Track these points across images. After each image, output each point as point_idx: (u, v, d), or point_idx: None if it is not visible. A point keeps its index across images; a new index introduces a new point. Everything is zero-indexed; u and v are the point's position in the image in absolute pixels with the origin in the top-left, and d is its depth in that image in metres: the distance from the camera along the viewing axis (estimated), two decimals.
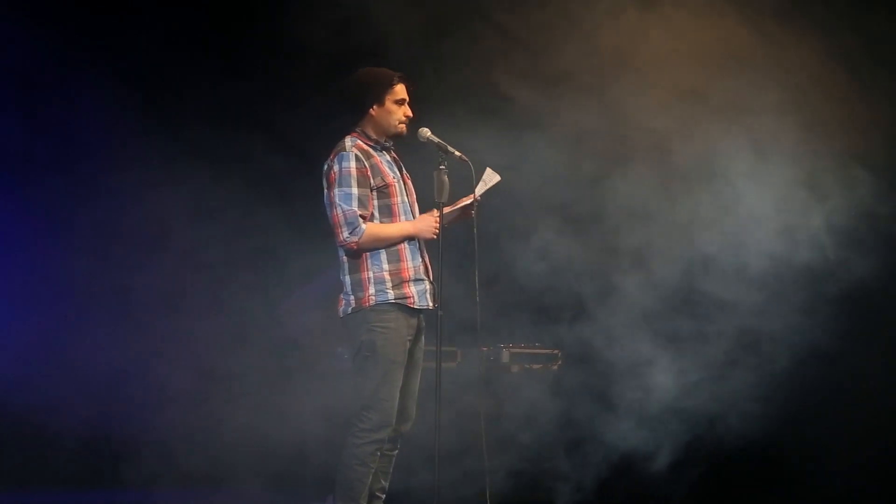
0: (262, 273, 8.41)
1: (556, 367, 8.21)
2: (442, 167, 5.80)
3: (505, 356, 8.17)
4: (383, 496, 5.86)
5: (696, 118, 7.58)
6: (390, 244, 5.75)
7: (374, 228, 5.72)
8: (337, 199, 5.69)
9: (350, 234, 5.68)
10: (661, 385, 7.80)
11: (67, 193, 8.12)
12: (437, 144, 5.83)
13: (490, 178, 5.88)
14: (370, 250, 5.72)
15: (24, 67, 8.06)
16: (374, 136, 5.83)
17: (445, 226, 5.85)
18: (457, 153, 5.82)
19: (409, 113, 5.85)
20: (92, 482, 8.15)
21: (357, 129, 5.84)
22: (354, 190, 5.69)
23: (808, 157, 7.61)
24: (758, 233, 7.70)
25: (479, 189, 5.87)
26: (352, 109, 5.85)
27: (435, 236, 5.78)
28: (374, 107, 5.81)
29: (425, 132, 5.85)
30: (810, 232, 7.66)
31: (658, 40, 7.69)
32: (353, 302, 5.75)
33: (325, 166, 5.78)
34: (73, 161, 8.14)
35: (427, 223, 5.79)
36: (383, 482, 5.85)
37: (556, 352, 8.22)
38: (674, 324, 7.85)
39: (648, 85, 7.64)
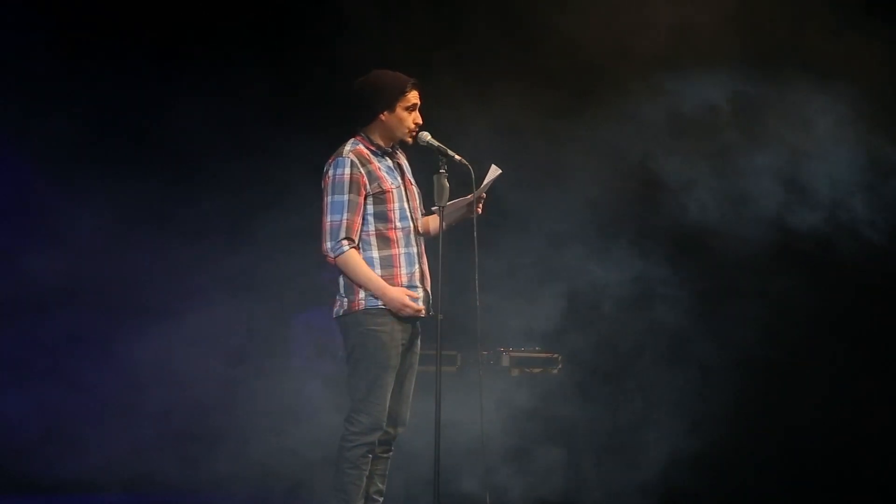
0: None
1: (555, 372, 8.21)
2: (442, 171, 5.78)
3: (505, 360, 8.17)
4: (381, 499, 5.84)
5: None
6: (357, 282, 5.67)
7: (355, 259, 5.65)
8: (327, 209, 5.67)
9: (331, 248, 5.65)
10: None
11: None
12: (438, 148, 5.81)
13: (492, 172, 5.84)
14: (342, 272, 5.68)
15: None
16: (377, 142, 5.78)
17: (452, 224, 5.86)
18: (457, 157, 5.80)
19: (419, 120, 5.78)
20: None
21: (361, 133, 5.79)
22: (345, 197, 5.65)
23: None
24: None
25: (483, 184, 5.82)
26: (361, 113, 5.78)
27: (402, 313, 5.65)
28: (385, 113, 5.75)
29: (425, 136, 5.81)
30: None
31: None
32: (345, 304, 5.72)
33: (324, 169, 5.76)
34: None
35: (399, 298, 5.65)
36: (380, 485, 5.83)
37: (555, 356, 8.22)
38: None
39: None
